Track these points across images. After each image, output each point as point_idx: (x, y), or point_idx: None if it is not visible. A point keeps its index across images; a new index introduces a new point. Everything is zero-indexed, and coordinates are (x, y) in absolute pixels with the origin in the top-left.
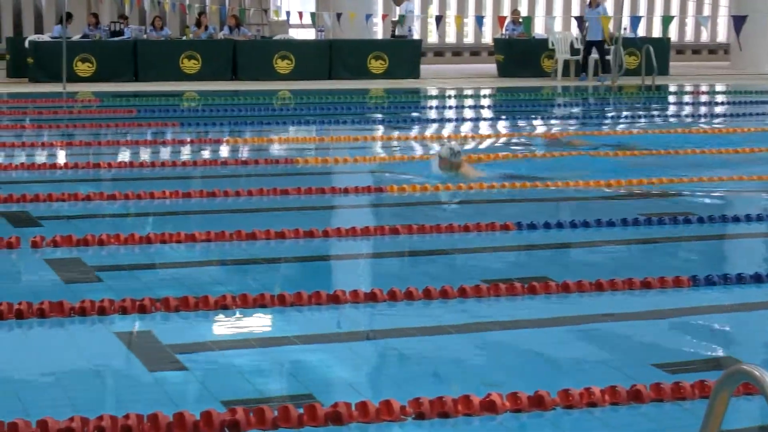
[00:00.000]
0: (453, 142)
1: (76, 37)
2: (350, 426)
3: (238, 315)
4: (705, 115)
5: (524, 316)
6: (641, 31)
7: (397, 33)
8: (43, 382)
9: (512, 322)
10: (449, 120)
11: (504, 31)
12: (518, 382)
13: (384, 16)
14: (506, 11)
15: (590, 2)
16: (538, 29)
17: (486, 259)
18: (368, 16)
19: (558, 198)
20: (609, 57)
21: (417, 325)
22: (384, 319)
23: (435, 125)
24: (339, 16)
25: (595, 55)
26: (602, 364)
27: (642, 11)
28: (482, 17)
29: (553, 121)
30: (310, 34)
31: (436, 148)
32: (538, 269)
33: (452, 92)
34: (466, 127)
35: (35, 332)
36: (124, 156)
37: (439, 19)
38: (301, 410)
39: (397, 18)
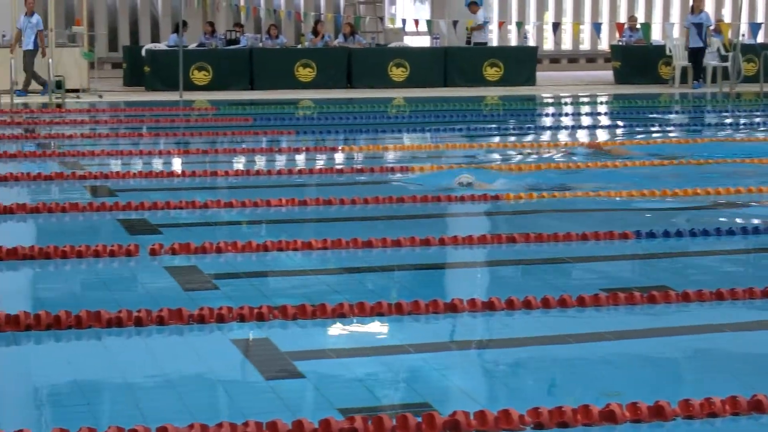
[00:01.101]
0: (464, 176)
1: (192, 46)
2: None
3: (355, 323)
4: None
5: (643, 326)
6: (760, 38)
7: (474, 40)
8: (162, 388)
9: (631, 331)
10: (565, 127)
11: (621, 38)
12: (638, 391)
13: (500, 24)
14: (623, 17)
15: (692, 8)
16: (656, 35)
17: (604, 267)
18: (485, 23)
19: (676, 207)
20: (723, 64)
21: (535, 334)
22: (501, 328)
23: (550, 132)
24: (455, 23)
25: (715, 61)
26: (722, 374)
27: (761, 17)
28: (600, 24)
29: (669, 128)
30: (424, 42)
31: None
32: (657, 278)
33: (568, 99)
34: (581, 134)
35: (154, 339)
36: (240, 164)
37: (556, 26)
38: (419, 419)
39: (474, 25)
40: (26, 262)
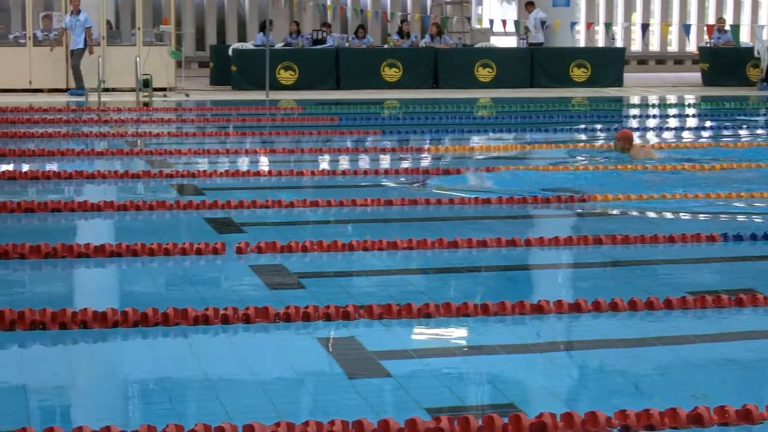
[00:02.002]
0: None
1: (278, 45)
2: None
3: (440, 323)
4: None
5: (731, 329)
6: None
7: (530, 41)
8: (247, 386)
9: (719, 334)
10: (653, 129)
11: (710, 40)
12: (725, 395)
13: (589, 25)
14: (711, 18)
15: None
16: (744, 37)
17: (692, 270)
18: (573, 24)
19: (764, 211)
20: None
21: (621, 336)
22: (587, 330)
23: (638, 134)
24: (543, 23)
25: None
26: None
27: None
28: (689, 25)
29: (759, 131)
30: (510, 42)
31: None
32: (745, 281)
33: (656, 101)
34: (669, 136)
35: (240, 337)
36: (326, 163)
37: (645, 27)
38: (506, 420)
39: (528, 24)
40: (114, 259)
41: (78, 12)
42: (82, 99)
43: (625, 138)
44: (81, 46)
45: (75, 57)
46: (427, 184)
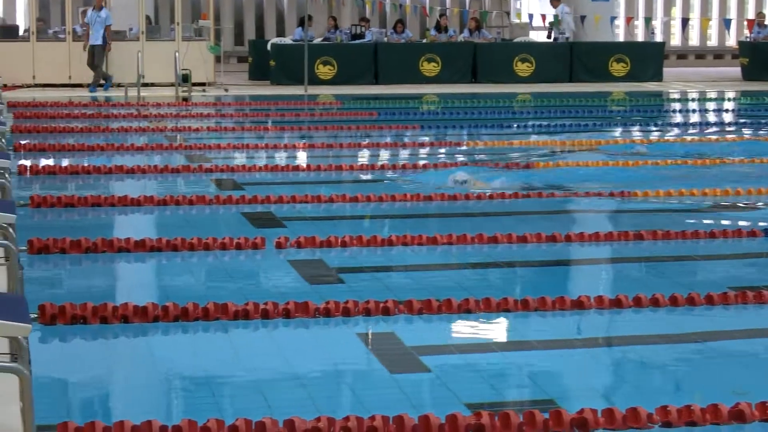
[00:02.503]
0: (459, 174)
1: (317, 40)
2: None
3: (480, 319)
4: None
5: None
6: None
7: (553, 35)
8: (288, 381)
9: (760, 330)
10: (692, 123)
11: (750, 34)
12: (767, 390)
13: (628, 19)
14: (750, 13)
15: None
16: None
17: (733, 266)
18: (612, 19)
19: None
20: None
21: (662, 332)
22: (628, 325)
23: (677, 129)
24: (583, 18)
25: None
26: None
27: None
28: (729, 20)
29: None
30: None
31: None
32: None
33: (695, 95)
34: (709, 131)
35: (280, 332)
36: (365, 158)
37: (685, 22)
38: (547, 415)
39: (552, 20)
40: (154, 254)
41: (100, 8)
42: (108, 93)
43: None
44: (100, 42)
45: (97, 55)
46: (465, 179)
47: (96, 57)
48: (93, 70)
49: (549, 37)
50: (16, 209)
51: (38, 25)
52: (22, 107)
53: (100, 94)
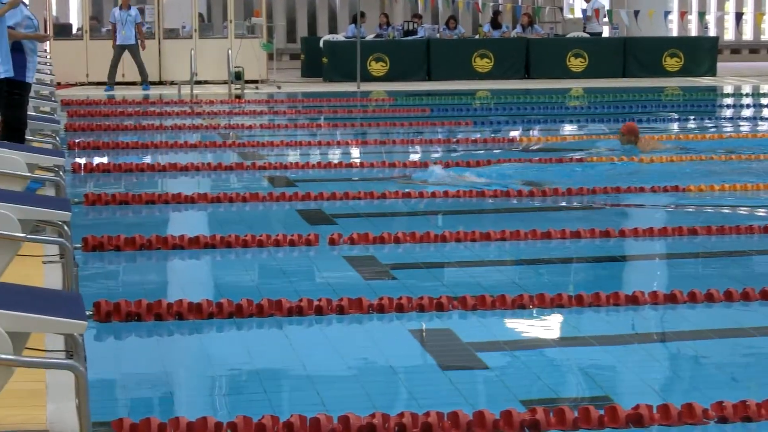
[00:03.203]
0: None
1: (369, 37)
2: (651, 429)
3: (535, 314)
4: None
5: None
6: None
7: (587, 30)
8: (342, 377)
9: None
10: (746, 118)
11: None
12: None
13: (682, 14)
14: None
15: None
16: None
17: None
18: (666, 13)
19: None
20: None
21: (717, 327)
22: (683, 320)
23: (731, 124)
24: (636, 13)
25: None
26: None
27: None
28: None
29: None
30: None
31: None
32: None
33: (750, 90)
34: (763, 126)
35: (334, 328)
36: (417, 155)
37: (739, 16)
38: (602, 411)
39: (589, 14)
40: (208, 250)
41: (128, 7)
42: (148, 92)
43: (630, 132)
44: (133, 41)
45: (135, 55)
46: (518, 175)
47: (135, 56)
48: (112, 70)
49: (584, 30)
50: (71, 207)
51: (91, 23)
52: (76, 105)
53: (138, 93)
